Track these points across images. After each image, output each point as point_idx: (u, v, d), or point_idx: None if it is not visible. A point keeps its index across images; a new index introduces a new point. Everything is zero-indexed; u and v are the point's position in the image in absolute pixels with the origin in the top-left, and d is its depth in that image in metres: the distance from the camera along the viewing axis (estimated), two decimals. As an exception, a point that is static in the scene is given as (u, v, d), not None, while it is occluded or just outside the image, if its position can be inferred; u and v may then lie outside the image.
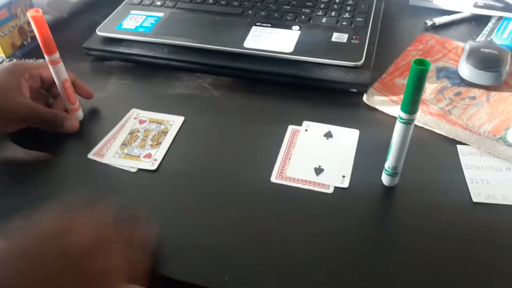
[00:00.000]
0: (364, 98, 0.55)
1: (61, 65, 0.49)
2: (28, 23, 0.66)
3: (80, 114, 0.54)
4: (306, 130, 0.51)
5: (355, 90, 0.56)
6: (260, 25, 0.63)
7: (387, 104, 0.54)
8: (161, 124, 0.53)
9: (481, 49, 0.57)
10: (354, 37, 0.59)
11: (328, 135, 0.50)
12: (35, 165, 0.49)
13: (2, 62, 0.60)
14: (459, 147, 0.49)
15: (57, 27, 0.71)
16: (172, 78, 0.60)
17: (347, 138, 0.50)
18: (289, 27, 0.62)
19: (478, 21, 0.69)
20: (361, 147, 0.49)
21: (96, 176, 0.47)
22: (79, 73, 0.61)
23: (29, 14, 0.44)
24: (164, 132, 0.52)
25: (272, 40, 0.60)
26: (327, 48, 0.58)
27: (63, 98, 0.52)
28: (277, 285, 0.37)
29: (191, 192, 0.45)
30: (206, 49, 0.60)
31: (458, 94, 0.55)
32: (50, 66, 0.48)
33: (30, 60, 0.60)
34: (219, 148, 0.50)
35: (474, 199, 0.43)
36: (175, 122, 0.53)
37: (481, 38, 0.64)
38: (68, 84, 0.51)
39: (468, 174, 0.46)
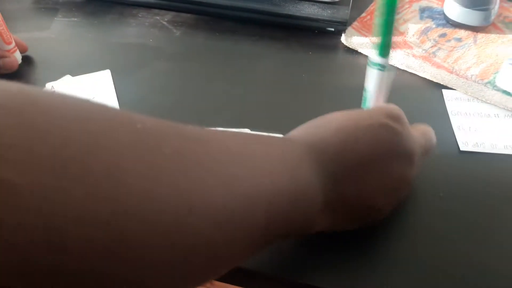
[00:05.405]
0: (342, 38, 0.49)
1: (-12, -6, 0.41)
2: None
3: (17, 56, 0.46)
4: None
5: (333, 30, 0.50)
6: (226, -45, 0.55)
7: (367, 45, 0.49)
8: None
9: (469, -14, 0.52)
10: (331, -31, 0.53)
11: None
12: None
13: None
14: (444, 91, 0.44)
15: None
16: (126, 15, 0.53)
17: None
18: (259, -43, 0.55)
19: (464, -41, 0.63)
20: (334, 93, 0.44)
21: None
22: (19, 10, 0.54)
23: None
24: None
25: (240, -28, 0.53)
26: (301, -19, 0.52)
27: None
28: None
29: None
30: (165, -19, 0.53)
31: (443, 35, 0.50)
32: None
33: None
34: (179, 96, 0.44)
35: (462, 148, 0.39)
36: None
37: (467, -24, 0.59)
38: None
39: (454, 121, 0.42)
